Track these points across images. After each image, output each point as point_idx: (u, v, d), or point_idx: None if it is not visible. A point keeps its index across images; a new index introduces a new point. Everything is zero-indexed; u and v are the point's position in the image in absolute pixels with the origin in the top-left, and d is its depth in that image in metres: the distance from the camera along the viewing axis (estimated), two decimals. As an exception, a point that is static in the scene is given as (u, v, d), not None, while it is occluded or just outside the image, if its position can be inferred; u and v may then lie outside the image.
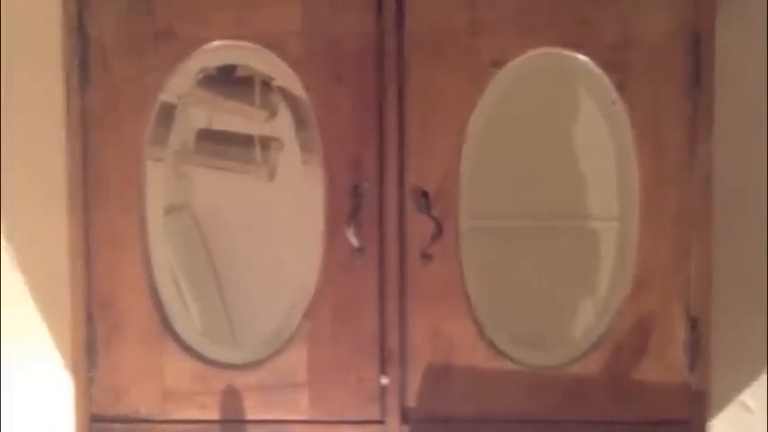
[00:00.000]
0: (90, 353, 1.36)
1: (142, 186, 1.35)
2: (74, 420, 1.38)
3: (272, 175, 1.39)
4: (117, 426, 1.36)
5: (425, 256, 1.32)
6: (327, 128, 1.33)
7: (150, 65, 1.33)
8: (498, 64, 1.31)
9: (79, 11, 1.33)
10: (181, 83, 1.35)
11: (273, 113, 1.38)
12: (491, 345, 1.33)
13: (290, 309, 1.36)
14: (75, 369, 1.37)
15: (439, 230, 1.31)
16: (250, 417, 1.36)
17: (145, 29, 1.33)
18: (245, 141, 1.38)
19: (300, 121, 1.37)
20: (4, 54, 1.29)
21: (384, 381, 1.34)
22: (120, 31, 1.33)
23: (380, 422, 1.35)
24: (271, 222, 1.39)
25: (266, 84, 1.37)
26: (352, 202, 1.32)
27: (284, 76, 1.34)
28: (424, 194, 1.32)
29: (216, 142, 1.38)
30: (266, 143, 1.38)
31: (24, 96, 1.31)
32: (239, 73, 1.37)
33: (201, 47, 1.33)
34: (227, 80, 1.36)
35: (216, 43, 1.33)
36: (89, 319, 1.35)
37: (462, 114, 1.31)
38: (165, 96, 1.35)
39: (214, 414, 1.36)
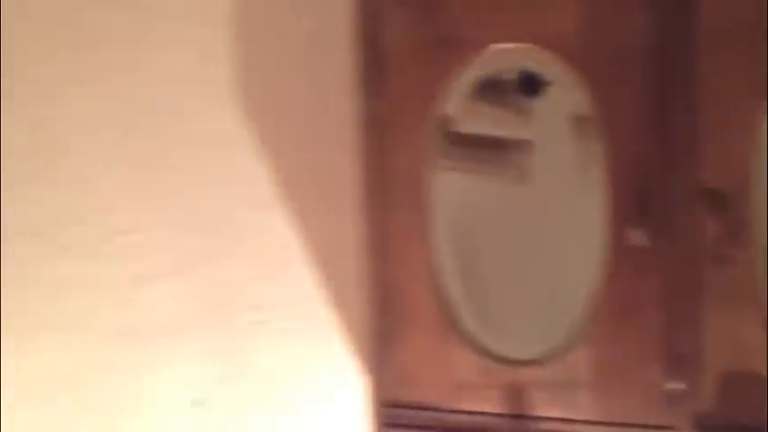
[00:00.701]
0: (382, 343, 1.42)
1: (426, 187, 1.39)
2: (366, 406, 1.46)
3: (534, 179, 1.37)
4: (406, 412, 1.42)
5: (719, 259, 1.25)
6: (610, 127, 1.29)
7: (434, 71, 1.36)
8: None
9: (370, 21, 1.38)
10: (459, 88, 1.37)
11: (544, 116, 1.37)
12: (793, 352, 1.25)
13: (573, 308, 1.34)
14: (367, 358, 1.46)
15: (734, 232, 1.24)
16: (533, 413, 1.36)
17: (429, 36, 1.35)
18: (504, 145, 1.37)
19: (578, 123, 1.34)
20: (301, 66, 1.38)
21: (674, 385, 1.29)
22: (406, 39, 1.37)
23: (670, 428, 1.30)
24: (541, 224, 1.38)
25: (541, 85, 1.35)
26: (638, 202, 1.28)
27: (562, 76, 1.32)
28: (718, 194, 1.25)
29: (479, 147, 1.38)
30: (528, 146, 1.37)
31: (318, 104, 1.40)
32: (513, 75, 1.36)
33: (482, 51, 1.33)
34: (501, 83, 1.36)
35: (495, 46, 1.33)
36: (381, 311, 1.42)
37: (755, 110, 1.22)
38: (445, 102, 1.37)
39: (498, 407, 1.38)
